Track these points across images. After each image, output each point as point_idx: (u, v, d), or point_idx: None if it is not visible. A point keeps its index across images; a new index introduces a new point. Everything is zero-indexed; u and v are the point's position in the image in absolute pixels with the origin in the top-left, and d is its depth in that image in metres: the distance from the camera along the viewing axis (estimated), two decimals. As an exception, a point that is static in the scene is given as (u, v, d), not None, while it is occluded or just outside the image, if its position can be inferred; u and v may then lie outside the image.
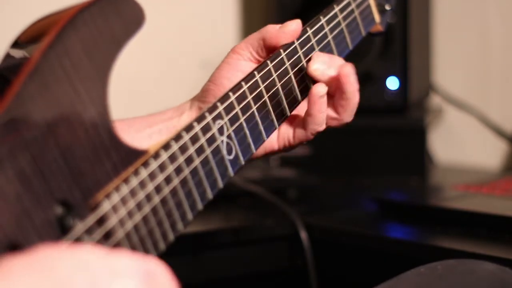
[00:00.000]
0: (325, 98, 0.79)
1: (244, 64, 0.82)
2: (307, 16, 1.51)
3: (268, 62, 0.79)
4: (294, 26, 0.81)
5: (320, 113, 0.80)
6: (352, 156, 1.51)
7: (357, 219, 1.22)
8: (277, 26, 0.82)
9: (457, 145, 1.72)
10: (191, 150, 0.69)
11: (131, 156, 0.65)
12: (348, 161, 1.51)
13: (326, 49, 0.85)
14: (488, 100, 1.66)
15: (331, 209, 1.31)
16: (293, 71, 0.82)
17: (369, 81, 1.48)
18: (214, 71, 0.83)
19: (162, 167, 0.65)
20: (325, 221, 1.21)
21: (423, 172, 1.49)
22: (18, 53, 0.66)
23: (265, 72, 0.79)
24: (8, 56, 0.67)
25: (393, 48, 1.47)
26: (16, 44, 0.68)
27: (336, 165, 1.50)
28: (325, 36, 0.85)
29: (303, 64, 0.82)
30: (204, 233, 1.17)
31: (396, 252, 1.09)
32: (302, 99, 0.83)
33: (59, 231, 0.59)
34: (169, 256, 0.65)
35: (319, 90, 0.78)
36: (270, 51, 0.82)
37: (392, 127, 1.50)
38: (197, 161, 0.69)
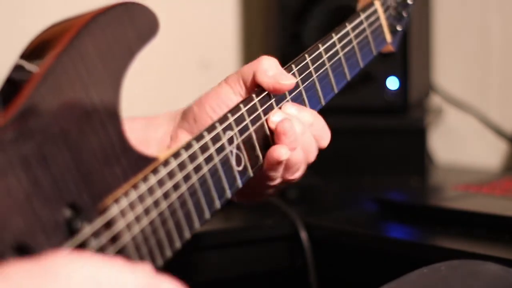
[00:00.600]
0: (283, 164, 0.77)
1: (233, 98, 0.79)
2: (307, 16, 1.51)
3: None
4: (290, 83, 0.78)
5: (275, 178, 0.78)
6: (352, 156, 1.51)
7: (357, 219, 1.22)
8: (271, 72, 0.77)
9: (457, 145, 1.72)
10: (200, 159, 0.69)
11: (140, 162, 0.65)
12: (348, 161, 1.51)
13: (338, 68, 0.86)
14: (488, 100, 1.66)
15: (331, 209, 1.31)
16: (301, 80, 0.82)
17: (369, 81, 1.48)
18: (203, 95, 0.81)
19: (171, 175, 0.66)
20: (325, 221, 1.21)
21: (423, 172, 1.49)
22: (30, 66, 0.66)
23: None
24: (19, 64, 0.67)
25: (393, 48, 1.47)
26: (29, 50, 0.67)
27: (336, 165, 1.50)
28: (336, 53, 0.86)
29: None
30: (204, 233, 1.17)
31: (396, 252, 1.09)
32: None
33: (67, 233, 0.59)
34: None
35: (281, 153, 0.76)
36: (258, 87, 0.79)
37: (392, 127, 1.49)
38: (205, 170, 0.69)
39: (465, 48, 1.71)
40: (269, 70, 0.77)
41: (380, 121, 1.50)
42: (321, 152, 1.46)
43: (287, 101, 0.80)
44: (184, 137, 0.80)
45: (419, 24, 1.57)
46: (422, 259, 0.86)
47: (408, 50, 1.47)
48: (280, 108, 0.79)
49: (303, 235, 1.18)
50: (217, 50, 1.69)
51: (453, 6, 1.70)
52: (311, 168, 1.39)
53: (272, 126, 0.77)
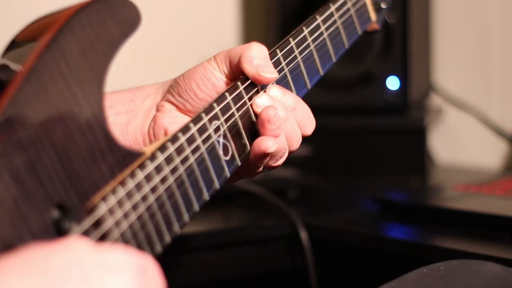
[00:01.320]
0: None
1: (218, 77, 0.78)
2: (307, 16, 1.51)
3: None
4: (270, 77, 0.76)
5: (258, 168, 0.77)
6: (352, 156, 1.51)
7: (357, 219, 1.22)
8: (256, 61, 0.76)
9: (457, 145, 1.72)
10: (188, 151, 0.69)
11: (127, 158, 0.65)
12: (348, 161, 1.51)
13: (323, 48, 0.85)
14: (488, 100, 1.66)
15: (331, 209, 1.31)
16: (286, 64, 0.81)
17: (369, 81, 1.48)
18: (190, 68, 0.79)
19: (158, 169, 0.65)
20: (325, 221, 1.21)
21: (423, 172, 1.49)
22: (13, 65, 0.66)
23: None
24: (2, 64, 0.66)
25: (393, 48, 1.47)
26: (12, 46, 0.67)
27: (336, 165, 1.50)
28: (321, 34, 0.85)
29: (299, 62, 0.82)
30: (204, 233, 1.17)
31: (396, 252, 1.09)
32: None
33: (55, 234, 0.58)
34: (169, 256, 0.65)
35: (268, 145, 0.74)
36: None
37: (392, 127, 1.49)
38: (193, 162, 0.69)
39: (465, 48, 1.71)
40: (254, 58, 0.76)
41: (380, 121, 1.50)
42: (321, 152, 1.46)
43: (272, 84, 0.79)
44: (169, 108, 0.79)
45: (419, 24, 1.57)
46: (422, 259, 0.86)
47: (408, 50, 1.47)
48: (265, 91, 0.78)
49: (303, 235, 1.18)
50: (217, 50, 1.69)
51: (453, 5, 1.70)
52: (312, 168, 1.40)
53: (257, 109, 0.75)
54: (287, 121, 0.76)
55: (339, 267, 1.20)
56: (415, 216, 1.16)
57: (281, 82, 0.80)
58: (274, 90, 0.78)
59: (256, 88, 0.77)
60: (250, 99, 0.76)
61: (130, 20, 0.68)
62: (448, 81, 1.69)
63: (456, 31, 1.71)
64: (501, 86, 1.66)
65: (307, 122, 0.79)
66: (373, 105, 1.49)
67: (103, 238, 0.60)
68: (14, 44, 0.67)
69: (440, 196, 1.38)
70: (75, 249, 0.54)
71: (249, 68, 0.76)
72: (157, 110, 0.80)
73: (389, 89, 1.48)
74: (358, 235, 1.15)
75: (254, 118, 0.76)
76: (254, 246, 1.20)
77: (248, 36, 1.71)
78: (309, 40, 0.83)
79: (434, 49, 1.71)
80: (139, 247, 0.63)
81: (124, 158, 0.65)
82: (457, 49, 1.71)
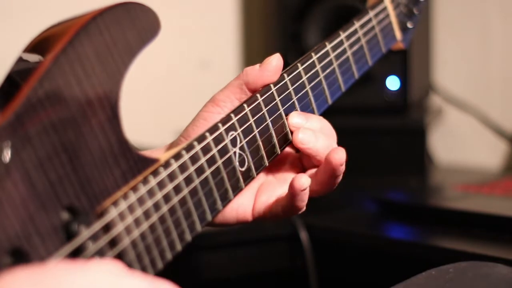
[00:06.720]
0: (307, 190, 0.75)
1: (221, 116, 0.76)
2: (307, 16, 1.51)
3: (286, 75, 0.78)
4: (275, 62, 0.76)
5: (302, 202, 0.76)
6: (352, 156, 1.50)
7: (357, 219, 1.22)
8: (257, 67, 0.77)
9: (457, 145, 1.72)
10: (202, 160, 0.68)
11: (140, 165, 0.65)
12: (348, 161, 1.50)
13: (345, 65, 0.84)
14: (489, 100, 1.66)
15: (331, 209, 1.31)
16: (307, 79, 0.80)
17: (369, 81, 1.48)
18: (188, 126, 0.78)
19: (171, 177, 0.65)
20: (325, 221, 1.21)
21: (423, 172, 1.49)
22: (33, 57, 0.65)
23: (281, 85, 0.77)
24: (21, 59, 0.66)
25: (393, 48, 1.47)
26: (29, 49, 0.67)
27: (336, 165, 1.50)
28: (344, 51, 0.84)
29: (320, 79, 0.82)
30: (204, 234, 1.16)
31: (396, 252, 1.09)
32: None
33: (64, 237, 0.58)
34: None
35: (302, 183, 0.74)
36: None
37: (392, 127, 1.49)
38: (207, 172, 0.69)
39: (465, 48, 1.71)
40: (253, 70, 0.77)
41: (380, 121, 1.50)
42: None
43: (293, 101, 0.78)
44: None
45: (419, 23, 1.57)
46: (422, 259, 0.86)
47: (408, 50, 1.47)
48: (287, 116, 0.78)
49: (303, 235, 1.18)
50: (217, 50, 1.69)
51: (453, 6, 1.70)
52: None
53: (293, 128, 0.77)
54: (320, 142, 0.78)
55: (339, 267, 1.20)
56: (415, 216, 1.16)
57: (303, 99, 0.79)
58: (296, 118, 0.78)
59: (276, 101, 0.76)
60: (268, 110, 0.76)
61: (149, 27, 0.67)
62: (448, 81, 1.69)
63: (456, 31, 1.71)
64: (501, 86, 1.66)
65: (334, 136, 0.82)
66: (373, 105, 1.49)
67: (112, 243, 0.60)
68: (31, 47, 0.67)
69: (440, 196, 1.38)
70: (92, 276, 0.53)
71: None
72: None
73: (389, 89, 1.48)
74: (358, 235, 1.15)
75: (271, 130, 0.76)
76: (254, 246, 1.20)
77: (248, 36, 1.71)
78: (332, 56, 0.82)
79: (434, 49, 1.71)
80: (150, 255, 0.63)
81: (138, 164, 0.64)
82: (458, 49, 1.71)
